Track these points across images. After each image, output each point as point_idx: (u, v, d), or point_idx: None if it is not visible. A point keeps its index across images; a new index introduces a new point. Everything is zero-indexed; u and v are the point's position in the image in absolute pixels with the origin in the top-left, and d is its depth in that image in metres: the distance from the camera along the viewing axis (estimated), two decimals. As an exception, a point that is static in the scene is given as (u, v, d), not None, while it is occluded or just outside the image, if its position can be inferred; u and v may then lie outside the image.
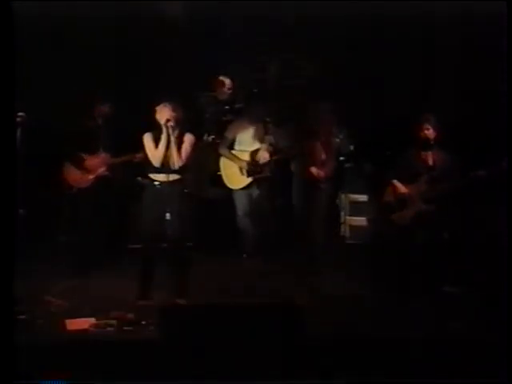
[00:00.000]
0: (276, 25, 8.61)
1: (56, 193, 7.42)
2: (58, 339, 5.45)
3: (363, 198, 8.35)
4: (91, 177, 7.29)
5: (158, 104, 6.27)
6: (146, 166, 6.42)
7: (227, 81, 8.23)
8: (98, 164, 7.30)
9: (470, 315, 6.04)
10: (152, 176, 6.37)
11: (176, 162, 6.24)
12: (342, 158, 7.66)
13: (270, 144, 7.35)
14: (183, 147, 6.31)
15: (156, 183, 6.32)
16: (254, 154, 7.49)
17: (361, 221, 8.35)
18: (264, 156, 7.36)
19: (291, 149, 7.30)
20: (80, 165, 7.29)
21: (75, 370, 4.77)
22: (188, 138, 6.36)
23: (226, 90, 8.21)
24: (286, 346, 4.68)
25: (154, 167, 6.33)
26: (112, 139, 7.30)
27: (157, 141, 6.31)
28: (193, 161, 6.54)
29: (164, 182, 6.29)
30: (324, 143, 7.17)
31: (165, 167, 6.28)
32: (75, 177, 7.29)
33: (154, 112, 6.29)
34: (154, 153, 6.30)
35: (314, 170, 7.18)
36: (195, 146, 6.50)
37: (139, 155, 6.95)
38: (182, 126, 6.33)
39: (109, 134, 7.32)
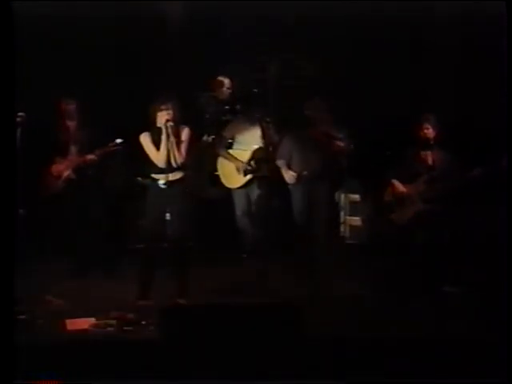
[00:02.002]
0: (276, 25, 8.60)
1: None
2: (58, 339, 5.46)
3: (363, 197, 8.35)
4: (59, 181, 7.23)
5: (158, 105, 6.25)
6: (148, 167, 6.41)
7: (226, 80, 8.22)
8: (64, 167, 7.23)
9: (470, 315, 6.04)
10: (155, 176, 6.37)
11: (178, 159, 6.23)
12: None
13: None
14: (183, 144, 6.30)
15: (161, 184, 6.31)
16: (255, 152, 7.50)
17: (361, 221, 8.34)
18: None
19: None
20: (49, 169, 7.26)
21: (75, 370, 4.77)
22: (185, 133, 6.34)
23: (225, 89, 8.21)
24: (285, 346, 4.68)
25: (157, 168, 6.32)
26: (87, 140, 7.21)
27: (156, 142, 6.29)
28: (193, 160, 6.54)
29: (167, 181, 6.29)
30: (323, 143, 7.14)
31: (167, 167, 6.27)
32: (47, 181, 7.25)
33: (154, 113, 6.27)
34: (157, 155, 6.29)
35: (339, 143, 7.08)
36: (193, 139, 6.50)
37: (90, 156, 7.04)
38: (179, 124, 6.32)
39: (84, 135, 7.23)
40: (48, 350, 5.06)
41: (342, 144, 7.08)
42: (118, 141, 7.04)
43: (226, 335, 4.68)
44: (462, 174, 6.63)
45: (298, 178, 7.15)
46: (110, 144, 7.06)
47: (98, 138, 7.14)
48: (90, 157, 7.12)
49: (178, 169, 6.29)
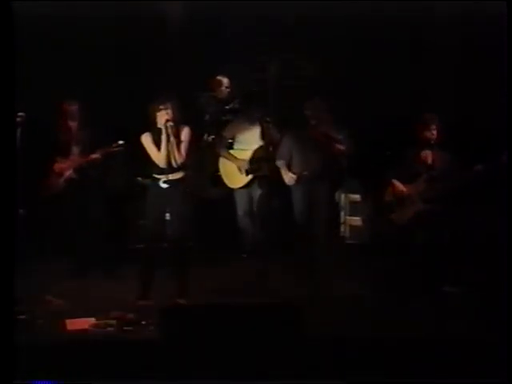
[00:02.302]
0: (276, 25, 8.61)
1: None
2: (58, 339, 5.45)
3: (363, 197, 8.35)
4: (61, 180, 7.21)
5: (157, 105, 6.24)
6: (149, 167, 6.41)
7: (224, 80, 8.22)
8: (66, 167, 7.21)
9: (470, 315, 6.04)
10: (156, 176, 6.37)
11: (178, 159, 6.24)
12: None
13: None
14: (183, 144, 6.30)
15: (161, 183, 6.30)
16: (256, 152, 7.50)
17: (361, 221, 8.34)
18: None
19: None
20: (52, 169, 7.24)
21: (75, 369, 4.77)
22: (185, 133, 6.34)
23: (223, 89, 8.21)
24: (285, 346, 4.68)
25: (158, 168, 6.31)
26: (88, 140, 7.19)
27: (157, 143, 6.29)
28: (193, 160, 6.54)
29: (167, 181, 6.29)
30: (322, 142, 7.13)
31: (167, 167, 6.27)
32: (48, 181, 7.23)
33: (152, 113, 6.27)
34: (158, 155, 6.29)
35: (339, 146, 7.08)
36: (194, 139, 6.50)
37: (95, 155, 7.04)
38: (179, 123, 6.32)
39: (86, 135, 7.21)
40: (48, 349, 5.06)
41: (342, 147, 7.07)
42: (121, 142, 7.03)
43: (226, 335, 4.68)
44: (463, 173, 6.63)
45: (298, 180, 7.14)
46: (114, 144, 7.04)
47: (100, 138, 7.13)
48: (95, 156, 7.10)
49: (179, 169, 6.29)
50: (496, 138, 6.54)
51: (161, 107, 6.22)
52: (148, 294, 6.33)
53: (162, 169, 6.30)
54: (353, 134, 7.20)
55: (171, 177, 6.28)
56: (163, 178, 6.30)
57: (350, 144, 7.10)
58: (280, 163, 7.22)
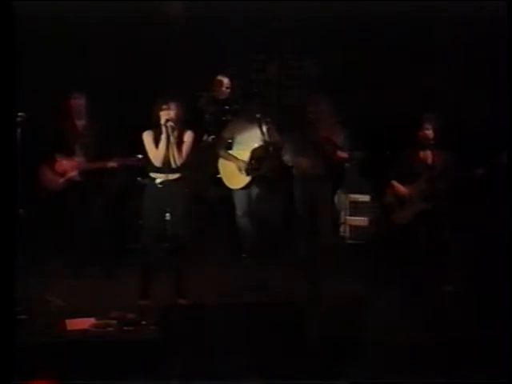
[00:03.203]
0: (276, 25, 8.62)
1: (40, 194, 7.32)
2: (58, 339, 5.45)
3: (363, 197, 8.35)
4: (61, 180, 7.13)
5: (160, 104, 6.25)
6: (147, 165, 6.40)
7: (225, 80, 8.22)
8: (69, 168, 7.12)
9: (470, 315, 6.04)
10: (153, 175, 6.37)
11: (177, 159, 6.23)
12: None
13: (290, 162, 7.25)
14: (184, 145, 6.31)
15: (158, 183, 6.31)
16: (255, 151, 7.49)
17: (361, 221, 8.35)
18: (304, 160, 7.18)
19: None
20: (52, 167, 7.16)
21: (75, 369, 4.77)
22: (189, 136, 6.35)
23: (224, 89, 8.21)
24: (286, 346, 4.68)
25: (155, 167, 6.32)
26: (94, 142, 7.12)
27: (157, 141, 6.30)
28: (193, 160, 6.54)
29: (164, 181, 6.29)
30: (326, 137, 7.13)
31: (165, 167, 6.27)
32: (48, 179, 7.17)
33: (155, 112, 6.27)
34: (156, 153, 6.29)
35: (341, 154, 7.10)
36: (196, 144, 6.49)
37: (112, 163, 6.96)
38: (182, 125, 6.32)
39: (92, 136, 7.15)
40: (48, 349, 5.06)
41: (345, 155, 7.06)
42: (140, 156, 6.92)
43: (226, 335, 4.68)
44: (463, 173, 6.63)
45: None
46: (133, 158, 6.76)
47: (104, 139, 7.08)
48: (111, 164, 6.99)
49: (176, 169, 6.28)
50: (496, 138, 6.54)
51: (164, 107, 6.23)
52: (148, 294, 6.34)
53: (158, 168, 6.30)
54: (353, 134, 7.20)
55: (170, 177, 6.27)
56: (160, 177, 6.30)
57: (352, 150, 7.08)
58: (287, 158, 7.21)
